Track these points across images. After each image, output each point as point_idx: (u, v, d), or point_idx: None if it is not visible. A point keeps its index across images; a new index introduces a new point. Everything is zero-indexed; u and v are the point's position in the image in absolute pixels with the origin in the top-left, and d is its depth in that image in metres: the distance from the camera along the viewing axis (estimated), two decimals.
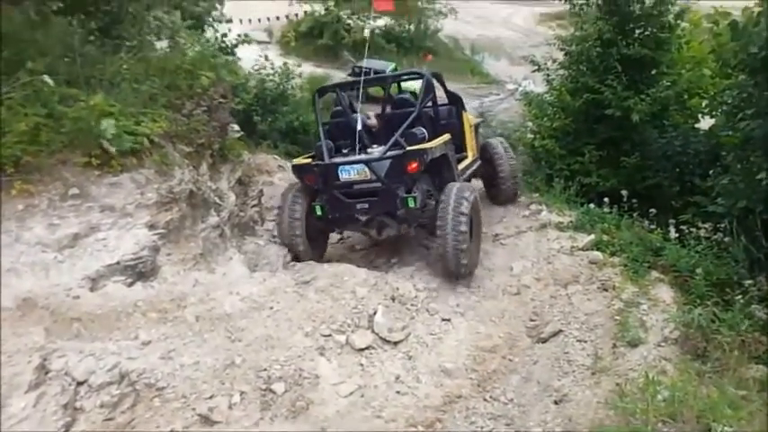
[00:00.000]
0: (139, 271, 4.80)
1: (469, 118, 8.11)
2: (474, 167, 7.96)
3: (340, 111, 7.31)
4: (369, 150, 6.70)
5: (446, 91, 7.84)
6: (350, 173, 6.35)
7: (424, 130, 6.73)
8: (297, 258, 6.68)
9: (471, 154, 7.94)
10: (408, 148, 6.29)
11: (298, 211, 6.67)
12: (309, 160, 6.77)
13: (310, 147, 12.34)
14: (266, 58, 12.41)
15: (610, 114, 9.72)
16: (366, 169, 6.29)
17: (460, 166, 7.28)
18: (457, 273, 6.12)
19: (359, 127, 6.61)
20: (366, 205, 6.42)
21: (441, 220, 6.06)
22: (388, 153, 6.32)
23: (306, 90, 14.56)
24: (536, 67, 11.58)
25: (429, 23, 31.48)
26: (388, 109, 7.34)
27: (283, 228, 6.68)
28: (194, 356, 4.23)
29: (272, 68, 12.20)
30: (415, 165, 6.21)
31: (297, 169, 6.83)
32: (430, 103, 7.18)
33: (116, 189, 4.92)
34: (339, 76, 23.24)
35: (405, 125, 6.52)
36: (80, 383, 3.72)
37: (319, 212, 6.56)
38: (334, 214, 6.61)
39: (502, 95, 26.66)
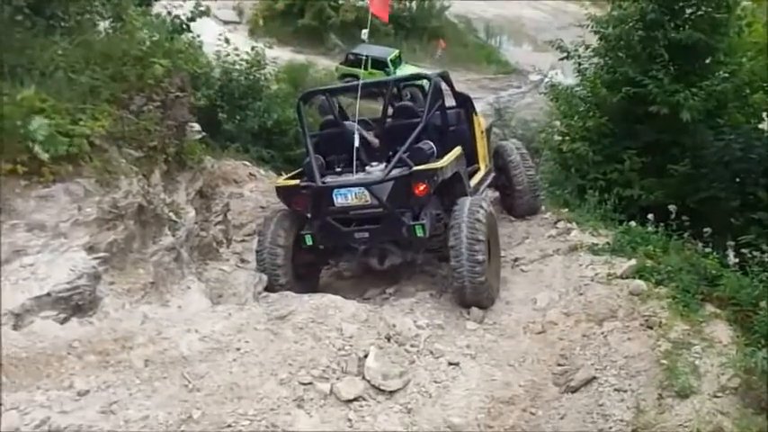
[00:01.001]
0: (75, 304, 4.77)
1: (481, 121, 8.24)
2: (488, 180, 8.10)
3: (331, 120, 7.45)
4: (367, 168, 6.79)
5: (453, 92, 8.01)
6: (347, 197, 6.47)
7: (432, 145, 6.84)
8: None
9: (484, 165, 8.08)
10: (415, 168, 6.41)
11: (282, 237, 6.77)
12: (297, 181, 6.88)
13: (287, 149, 12.50)
14: (227, 41, 12.44)
15: (655, 112, 9.82)
16: (366, 193, 6.41)
17: (473, 182, 7.37)
18: (478, 305, 6.37)
19: (356, 143, 6.70)
20: (366, 234, 6.57)
21: (454, 250, 6.20)
22: (392, 173, 6.43)
23: (282, 81, 14.66)
24: (565, 55, 11.70)
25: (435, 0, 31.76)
26: (389, 118, 7.48)
27: (264, 257, 6.77)
28: (143, 410, 4.20)
29: (237, 54, 12.25)
30: (423, 187, 6.35)
31: (282, 192, 6.98)
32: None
33: (47, 203, 4.90)
34: (324, 63, 23.45)
35: (410, 140, 6.59)
36: None
37: (309, 242, 6.69)
38: (328, 244, 6.74)
39: (523, 88, 26.91)
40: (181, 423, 4.21)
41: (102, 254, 5.10)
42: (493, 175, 8.38)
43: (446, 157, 6.74)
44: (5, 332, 4.34)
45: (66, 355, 4.44)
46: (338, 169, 6.90)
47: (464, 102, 8.10)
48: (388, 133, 7.20)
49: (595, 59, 11.39)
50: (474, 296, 6.30)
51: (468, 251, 6.13)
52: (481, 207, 6.46)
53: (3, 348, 4.24)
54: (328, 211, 6.56)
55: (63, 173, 5.01)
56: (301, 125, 7.41)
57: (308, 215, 6.79)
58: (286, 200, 6.93)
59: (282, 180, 7.37)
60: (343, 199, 6.48)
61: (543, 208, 8.93)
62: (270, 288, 6.71)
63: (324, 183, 6.59)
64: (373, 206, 6.44)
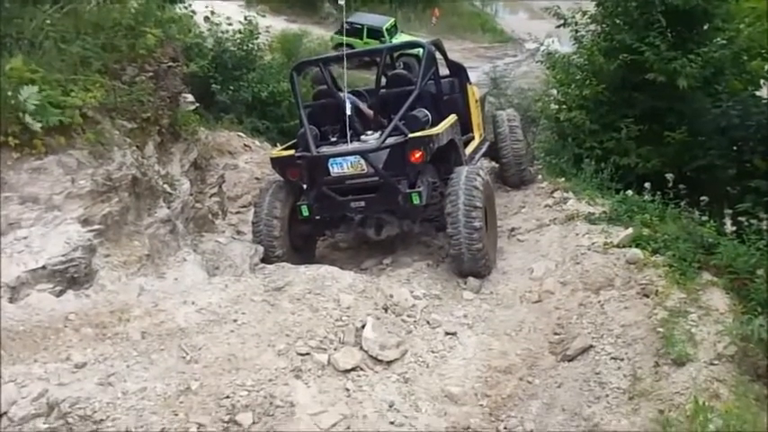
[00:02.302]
0: (71, 277, 4.78)
1: (475, 91, 8.26)
2: (483, 149, 8.13)
3: (325, 90, 7.40)
4: (362, 138, 6.79)
5: (447, 60, 8.00)
6: (342, 166, 6.47)
7: (427, 113, 6.83)
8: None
9: (478, 134, 8.13)
10: (411, 135, 6.40)
11: (278, 209, 6.80)
12: (292, 152, 6.86)
13: (281, 120, 12.42)
14: (212, 12, 12.27)
15: (651, 80, 9.73)
16: (362, 161, 6.41)
17: (468, 150, 7.38)
18: (476, 274, 6.41)
19: (348, 111, 6.68)
20: (362, 203, 6.58)
21: (451, 217, 6.23)
22: (387, 141, 6.42)
23: (276, 51, 14.53)
24: (561, 22, 11.57)
25: None
26: (383, 88, 7.40)
27: (260, 228, 6.79)
28: (140, 381, 4.22)
29: (230, 23, 12.11)
30: (419, 154, 6.35)
31: (277, 163, 6.97)
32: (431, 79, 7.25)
33: (40, 176, 4.89)
34: (318, 33, 23.20)
35: (405, 107, 6.58)
36: None
37: (306, 213, 6.70)
38: (324, 215, 6.74)
39: (519, 57, 26.76)
40: (179, 394, 4.21)
41: (96, 226, 5.10)
42: (488, 144, 8.41)
43: (441, 124, 6.74)
44: (2, 305, 4.35)
45: (62, 328, 4.45)
46: (333, 139, 6.89)
47: (458, 71, 8.10)
48: (382, 102, 7.17)
49: (592, 27, 11.28)
50: (471, 264, 6.33)
51: (466, 218, 6.16)
52: (478, 175, 6.48)
53: (1, 321, 4.24)
54: (324, 181, 6.55)
55: (55, 145, 4.99)
56: (295, 96, 7.38)
57: (304, 186, 6.77)
58: (281, 171, 6.92)
59: (277, 151, 7.36)
60: (338, 168, 6.48)
61: (540, 177, 8.92)
62: (266, 260, 6.72)
63: (319, 152, 6.57)
64: (369, 175, 6.44)
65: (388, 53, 7.95)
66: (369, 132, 6.87)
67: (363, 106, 7.31)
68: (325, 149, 6.69)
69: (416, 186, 6.47)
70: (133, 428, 3.94)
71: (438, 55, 7.56)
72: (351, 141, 6.67)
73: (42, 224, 4.77)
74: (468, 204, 6.19)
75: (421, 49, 7.37)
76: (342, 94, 7.03)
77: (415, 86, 6.83)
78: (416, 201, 6.41)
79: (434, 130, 6.57)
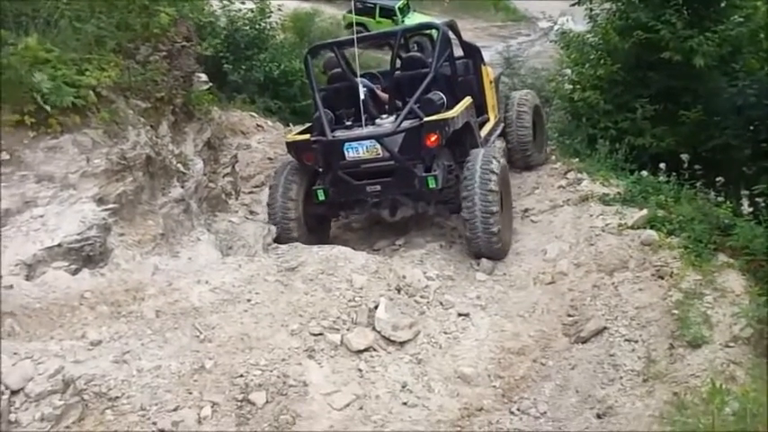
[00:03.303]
0: (86, 255, 4.78)
1: (489, 71, 8.17)
2: (498, 131, 8.07)
3: (339, 73, 7.33)
4: (377, 121, 6.75)
5: (461, 41, 7.92)
6: (358, 150, 6.46)
7: (443, 96, 6.76)
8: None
9: (493, 115, 8.04)
10: (426, 119, 6.38)
11: (293, 191, 6.81)
12: (307, 136, 6.85)
13: (293, 100, 12.37)
14: None
15: (667, 59, 9.62)
16: (377, 146, 6.40)
17: (483, 132, 7.34)
18: (491, 257, 6.43)
19: (362, 95, 6.64)
20: (378, 187, 6.58)
21: (467, 201, 6.24)
22: (403, 125, 6.40)
23: (288, 30, 14.45)
24: (576, 0, 11.43)
25: None
26: (397, 70, 7.35)
27: (275, 210, 6.81)
28: (155, 360, 4.24)
29: (242, 2, 12.05)
30: (435, 138, 6.34)
31: (292, 147, 6.96)
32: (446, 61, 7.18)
33: (56, 154, 4.88)
34: (330, 12, 23.05)
35: (420, 90, 6.54)
36: (15, 392, 3.71)
37: (322, 197, 6.71)
38: (341, 198, 6.78)
39: (533, 36, 26.51)
40: (193, 373, 4.24)
41: (111, 205, 5.10)
42: (502, 125, 8.34)
43: (456, 107, 6.70)
44: (18, 282, 4.36)
45: (78, 306, 4.47)
46: (348, 123, 6.85)
47: (472, 52, 8.00)
48: (396, 85, 7.13)
49: (607, 5, 11.14)
50: (487, 247, 6.34)
51: (482, 202, 6.17)
52: (494, 158, 6.49)
53: (16, 299, 4.26)
54: (339, 165, 6.55)
55: (70, 124, 4.99)
56: (309, 79, 7.34)
57: (319, 169, 6.79)
58: (296, 155, 6.92)
59: (292, 135, 7.34)
60: (354, 152, 6.47)
61: (553, 158, 8.84)
62: (281, 240, 6.73)
63: (334, 137, 6.56)
64: (385, 159, 6.44)
65: (402, 36, 7.85)
66: (384, 116, 6.83)
67: (378, 89, 7.28)
68: (340, 133, 6.68)
69: (432, 170, 6.47)
70: (147, 406, 3.97)
71: (452, 35, 7.47)
72: (366, 125, 6.65)
73: (58, 202, 4.78)
74: (483, 188, 6.20)
75: (435, 31, 7.29)
76: (356, 78, 6.95)
77: (430, 69, 6.78)
78: (432, 185, 6.41)
79: (450, 114, 6.53)
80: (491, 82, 8.13)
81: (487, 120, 7.84)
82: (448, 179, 6.62)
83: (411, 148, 6.39)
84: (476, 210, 6.19)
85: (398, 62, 7.42)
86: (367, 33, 7.52)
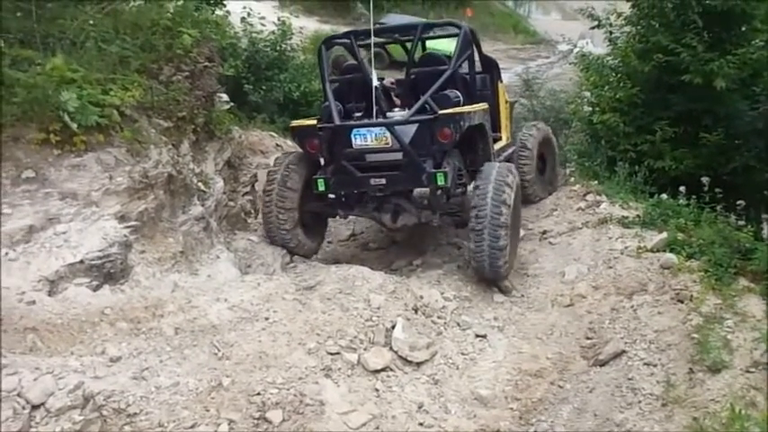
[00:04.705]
0: (107, 272, 4.84)
1: (504, 91, 8.03)
2: (508, 152, 7.82)
3: (353, 66, 7.15)
4: (388, 114, 6.54)
5: (480, 54, 7.70)
6: (366, 138, 6.21)
7: (459, 95, 6.61)
8: (284, 246, 6.61)
9: (506, 137, 7.84)
10: (441, 112, 6.16)
11: (293, 180, 6.54)
12: (314, 121, 6.64)
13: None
14: (248, 13, 12.35)
15: (687, 81, 9.58)
16: (387, 134, 6.14)
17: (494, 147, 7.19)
18: (492, 275, 6.14)
19: (375, 83, 6.41)
20: (383, 180, 6.28)
21: (477, 209, 5.97)
22: (416, 116, 6.17)
23: (309, 52, 14.58)
24: (595, 23, 11.46)
25: None
26: (414, 67, 7.12)
27: (271, 199, 6.52)
28: (173, 376, 4.27)
29: (263, 24, 12.19)
30: (448, 132, 6.10)
31: (297, 132, 6.72)
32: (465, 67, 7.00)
33: (79, 172, 4.96)
34: None
35: (437, 84, 6.34)
36: (36, 407, 3.76)
37: (322, 187, 6.41)
38: (341, 191, 6.49)
39: (552, 59, 26.50)
40: (211, 390, 4.26)
41: (132, 223, 5.17)
42: (513, 149, 8.09)
43: (473, 106, 6.52)
44: (40, 298, 4.42)
45: (98, 322, 4.51)
46: (357, 115, 6.63)
47: (490, 67, 7.83)
48: (412, 82, 6.92)
49: (627, 28, 11.14)
50: (490, 262, 6.00)
51: (493, 213, 5.89)
52: (510, 172, 6.28)
53: (38, 314, 4.32)
54: (344, 153, 6.28)
55: (94, 142, 5.07)
56: (321, 70, 7.02)
57: (321, 159, 6.52)
58: (300, 141, 6.67)
59: (298, 121, 7.08)
60: (361, 140, 6.20)
61: (572, 180, 8.82)
62: (272, 233, 6.58)
63: (342, 123, 6.32)
64: (393, 150, 6.17)
65: (423, 30, 7.40)
66: (396, 109, 6.64)
67: (392, 86, 7.12)
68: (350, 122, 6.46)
69: (442, 167, 6.18)
70: (165, 423, 3.99)
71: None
72: (376, 118, 6.38)
73: (81, 220, 4.84)
74: (497, 199, 5.93)
75: (458, 30, 7.01)
76: (370, 71, 6.72)
77: (448, 67, 6.60)
78: (441, 181, 6.09)
79: (466, 108, 6.34)
80: (506, 102, 8.02)
81: (499, 138, 7.66)
82: (457, 184, 6.39)
83: (422, 141, 6.12)
84: (485, 221, 5.88)
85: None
86: (386, 25, 7.38)
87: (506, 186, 6.05)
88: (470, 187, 6.41)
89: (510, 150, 7.95)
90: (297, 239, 6.64)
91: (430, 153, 6.20)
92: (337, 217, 7.16)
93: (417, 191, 6.34)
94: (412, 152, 6.12)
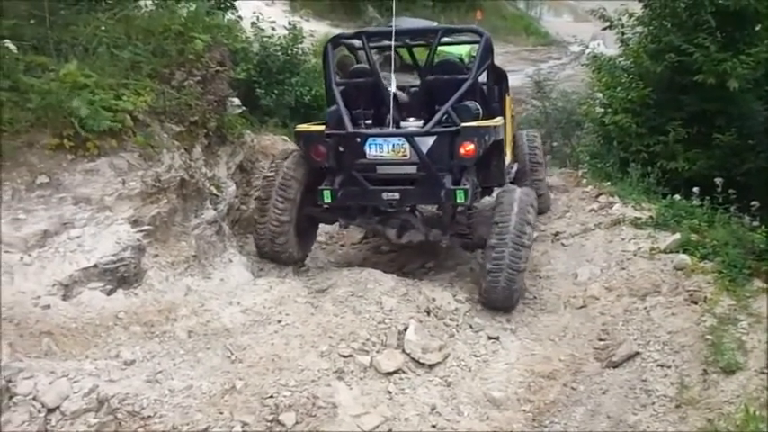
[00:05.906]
0: (121, 276, 4.89)
1: (512, 106, 7.69)
2: (512, 173, 7.45)
3: (363, 69, 6.72)
4: (402, 124, 6.24)
5: (492, 65, 7.17)
6: (382, 148, 5.81)
7: (479, 106, 6.28)
8: (274, 259, 6.35)
9: (510, 153, 7.45)
10: (464, 125, 5.81)
11: (292, 189, 6.13)
12: (322, 127, 6.23)
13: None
14: (258, 18, 12.40)
15: (700, 82, 9.54)
16: (405, 145, 5.76)
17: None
18: (503, 298, 5.77)
19: (392, 88, 6.11)
20: (396, 195, 5.90)
21: (499, 227, 5.62)
22: (436, 128, 5.78)
23: (320, 55, 14.63)
24: (607, 24, 11.43)
25: None
26: (429, 74, 6.68)
27: (267, 208, 6.16)
28: (186, 379, 4.30)
29: (274, 29, 12.24)
30: (471, 147, 5.74)
31: (302, 138, 6.26)
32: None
33: (93, 177, 5.00)
34: None
35: (458, 94, 5.87)
36: (51, 410, 3.80)
37: (328, 199, 5.99)
38: (350, 203, 6.12)
39: (564, 60, 26.46)
40: (224, 393, 4.28)
41: (145, 227, 5.20)
42: (516, 168, 7.71)
43: (493, 120, 6.17)
44: (55, 302, 4.46)
45: (112, 326, 4.55)
46: (367, 123, 6.27)
47: (499, 78, 7.26)
48: (427, 89, 6.52)
49: (639, 29, 11.11)
50: (506, 285, 5.61)
51: (516, 233, 5.55)
52: (532, 195, 5.99)
53: (53, 318, 4.36)
54: (355, 164, 5.87)
55: (107, 147, 5.11)
56: (327, 72, 6.44)
57: (326, 167, 6.09)
58: (305, 149, 6.16)
59: (303, 126, 6.60)
60: (377, 150, 5.81)
61: (584, 181, 8.78)
62: (260, 245, 6.30)
63: (356, 130, 5.91)
64: (407, 163, 5.81)
65: (443, 34, 6.66)
66: (411, 119, 6.24)
67: (401, 94, 6.76)
68: (365, 130, 6.09)
69: (462, 184, 5.81)
70: (179, 425, 4.01)
71: None
72: (389, 127, 6.02)
73: (94, 224, 4.88)
74: (521, 219, 5.60)
75: (479, 36, 6.50)
76: (385, 75, 6.32)
77: (468, 76, 6.13)
78: (461, 199, 5.73)
79: (491, 122, 5.98)
80: (512, 116, 7.72)
81: (506, 155, 7.12)
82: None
83: (440, 155, 5.72)
84: (507, 240, 5.52)
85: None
86: (405, 27, 6.95)
87: (531, 208, 5.77)
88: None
89: (513, 170, 7.50)
90: (288, 252, 6.29)
91: (448, 168, 5.84)
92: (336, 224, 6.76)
93: (424, 207, 6.06)
94: (432, 166, 5.74)
